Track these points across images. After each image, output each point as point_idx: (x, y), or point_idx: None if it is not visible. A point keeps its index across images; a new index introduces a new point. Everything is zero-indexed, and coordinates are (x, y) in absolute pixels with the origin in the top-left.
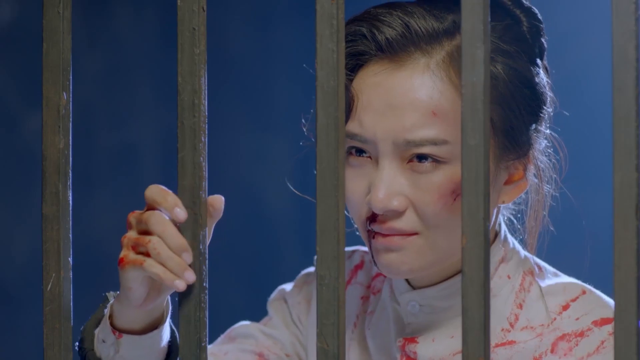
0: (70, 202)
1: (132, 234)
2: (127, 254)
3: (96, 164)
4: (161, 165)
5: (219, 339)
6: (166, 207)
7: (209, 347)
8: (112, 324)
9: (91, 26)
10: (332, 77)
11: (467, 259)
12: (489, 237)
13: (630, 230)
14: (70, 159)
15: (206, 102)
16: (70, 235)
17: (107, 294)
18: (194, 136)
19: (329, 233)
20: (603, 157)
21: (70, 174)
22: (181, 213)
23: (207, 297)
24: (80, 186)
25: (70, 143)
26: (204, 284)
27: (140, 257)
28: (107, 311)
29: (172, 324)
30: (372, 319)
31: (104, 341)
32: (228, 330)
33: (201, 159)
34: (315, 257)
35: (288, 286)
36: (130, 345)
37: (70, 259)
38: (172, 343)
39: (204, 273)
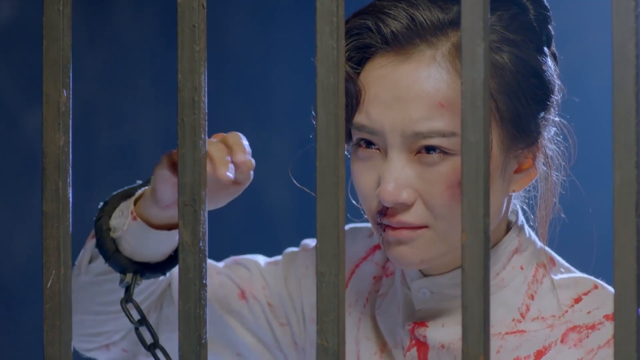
0: (71, 199)
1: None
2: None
3: (96, 161)
4: None
5: (230, 258)
6: (222, 162)
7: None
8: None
9: (91, 23)
10: (332, 74)
11: (467, 257)
12: (489, 234)
13: (630, 228)
14: (71, 156)
15: (206, 100)
16: (71, 233)
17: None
18: (194, 133)
19: (329, 230)
20: (604, 154)
21: (71, 171)
22: (223, 176)
23: (207, 294)
24: (81, 183)
25: (70, 140)
26: (204, 281)
27: None
28: (139, 192)
29: None
30: (382, 303)
31: (122, 214)
32: (244, 255)
33: (201, 156)
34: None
35: (311, 243)
36: (139, 230)
37: (70, 256)
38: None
39: (204, 270)
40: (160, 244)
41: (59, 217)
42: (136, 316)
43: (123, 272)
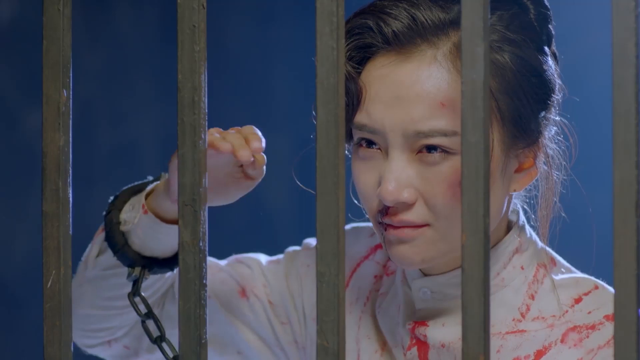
0: (71, 199)
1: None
2: None
3: (96, 161)
4: (161, 162)
5: (232, 257)
6: (240, 146)
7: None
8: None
9: (91, 23)
10: (332, 74)
11: (467, 256)
12: (489, 234)
13: (629, 227)
14: (70, 156)
15: (206, 100)
16: (71, 232)
17: (163, 173)
18: (194, 133)
19: (329, 230)
20: (604, 154)
21: (71, 171)
22: (245, 156)
23: (207, 294)
24: (81, 183)
25: (70, 140)
26: (204, 281)
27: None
28: (150, 187)
29: None
30: (382, 302)
31: (132, 207)
32: (246, 254)
33: (201, 156)
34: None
35: (313, 242)
36: (150, 224)
37: (70, 256)
38: None
39: (204, 270)
40: (169, 239)
41: (59, 217)
42: (143, 310)
43: (131, 265)
